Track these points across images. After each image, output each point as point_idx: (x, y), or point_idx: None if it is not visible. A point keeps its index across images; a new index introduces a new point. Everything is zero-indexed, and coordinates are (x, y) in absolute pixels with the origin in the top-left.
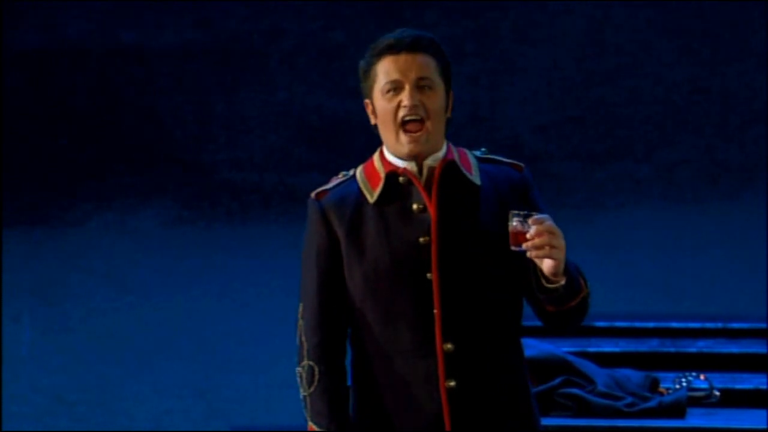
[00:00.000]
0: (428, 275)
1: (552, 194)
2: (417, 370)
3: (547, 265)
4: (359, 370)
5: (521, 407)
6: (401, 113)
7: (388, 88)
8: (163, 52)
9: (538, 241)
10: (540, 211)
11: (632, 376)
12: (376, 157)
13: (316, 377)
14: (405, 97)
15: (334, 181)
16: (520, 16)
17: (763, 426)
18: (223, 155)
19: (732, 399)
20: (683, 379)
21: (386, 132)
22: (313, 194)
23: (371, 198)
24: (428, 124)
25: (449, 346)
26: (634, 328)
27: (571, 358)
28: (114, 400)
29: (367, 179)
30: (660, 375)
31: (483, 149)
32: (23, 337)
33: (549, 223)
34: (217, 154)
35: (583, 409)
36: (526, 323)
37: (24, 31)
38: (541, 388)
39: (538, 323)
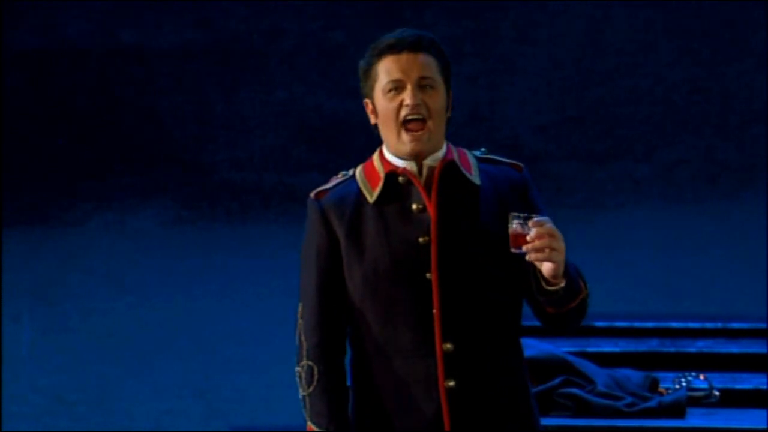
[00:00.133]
0: (428, 275)
1: (552, 194)
2: (416, 370)
3: (546, 267)
4: (358, 369)
5: (521, 407)
6: (403, 112)
7: (389, 88)
8: (163, 52)
9: (539, 243)
10: (539, 211)
11: (632, 376)
12: (375, 157)
13: (316, 377)
14: (407, 97)
15: (333, 181)
16: (520, 16)
17: (763, 426)
18: (223, 155)
19: (732, 399)
20: (683, 379)
21: (387, 131)
22: (312, 194)
23: (371, 198)
24: (430, 123)
25: (448, 346)
26: (633, 328)
27: (570, 358)
28: (114, 400)
29: (367, 179)
30: (660, 375)
31: (483, 149)
32: (23, 337)
33: (549, 225)
34: (217, 154)
35: (582, 409)
36: (525, 323)
37: (24, 31)
38: (540, 388)
39: (538, 323)
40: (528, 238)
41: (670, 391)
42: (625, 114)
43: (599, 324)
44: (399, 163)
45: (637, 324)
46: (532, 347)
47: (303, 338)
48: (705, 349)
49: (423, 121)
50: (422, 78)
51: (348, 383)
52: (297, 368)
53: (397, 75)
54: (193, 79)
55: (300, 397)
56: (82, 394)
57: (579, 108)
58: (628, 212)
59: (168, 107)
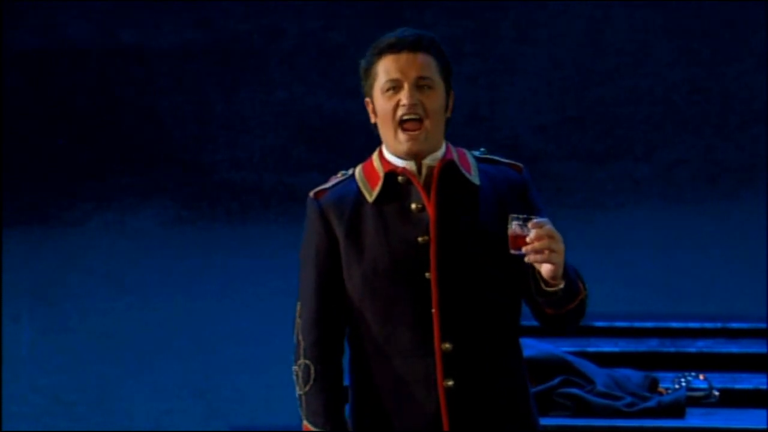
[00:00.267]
0: (426, 275)
1: (551, 194)
2: (415, 369)
3: (546, 269)
4: (357, 369)
5: (520, 407)
6: (400, 112)
7: (387, 87)
8: (162, 52)
9: (538, 245)
10: (538, 212)
11: (632, 376)
12: (375, 156)
13: (312, 376)
14: (404, 96)
15: (332, 181)
16: (520, 16)
17: (762, 426)
18: (223, 155)
19: (731, 399)
20: (682, 379)
21: (385, 130)
22: (311, 193)
23: (370, 197)
24: (427, 123)
25: (447, 345)
26: (633, 328)
27: (570, 357)
28: (113, 400)
29: (366, 178)
30: (659, 375)
31: (482, 149)
32: (23, 337)
33: (549, 227)
34: (217, 154)
35: (582, 409)
36: (524, 323)
37: (24, 31)
38: (540, 387)
39: (537, 323)
40: (527, 239)
41: (669, 391)
42: (625, 114)
43: (599, 324)
44: (398, 162)
45: (636, 324)
46: (532, 347)
47: (300, 337)
48: (705, 349)
49: (419, 121)
50: (420, 78)
51: (346, 383)
52: (294, 367)
53: (395, 74)
54: (193, 79)
55: (296, 396)
56: (82, 394)
57: (579, 108)
58: (628, 212)
59: (168, 107)
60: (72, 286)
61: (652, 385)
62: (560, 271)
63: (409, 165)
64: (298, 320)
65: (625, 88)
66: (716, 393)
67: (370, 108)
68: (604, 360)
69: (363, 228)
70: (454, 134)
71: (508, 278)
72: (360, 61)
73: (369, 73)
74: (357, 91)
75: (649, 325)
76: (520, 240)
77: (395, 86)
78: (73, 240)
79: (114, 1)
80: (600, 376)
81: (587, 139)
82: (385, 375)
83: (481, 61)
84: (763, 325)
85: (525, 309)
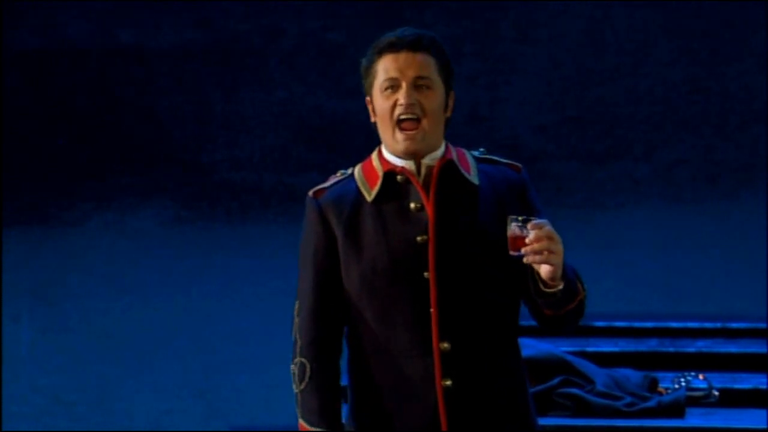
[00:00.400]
0: (425, 274)
1: (551, 194)
2: (413, 368)
3: (545, 270)
4: (356, 368)
5: (518, 407)
6: (397, 111)
7: (386, 86)
8: (162, 52)
9: (537, 246)
10: (537, 212)
11: (631, 375)
12: (374, 156)
13: (308, 374)
14: (401, 96)
15: (332, 180)
16: (520, 16)
17: (762, 426)
18: (223, 155)
19: (731, 399)
20: (682, 379)
21: (384, 130)
22: (310, 192)
23: (369, 197)
24: (424, 122)
25: (446, 345)
26: (633, 328)
27: (569, 357)
28: (113, 400)
29: (365, 178)
30: (659, 375)
31: (482, 149)
32: (23, 337)
33: (548, 228)
34: (217, 154)
35: (581, 408)
36: (524, 323)
37: (24, 31)
38: (539, 387)
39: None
40: (527, 240)
41: (669, 391)
42: (624, 114)
43: (599, 324)
44: (397, 162)
45: (636, 324)
46: (531, 347)
47: (298, 335)
48: (704, 349)
49: (417, 120)
50: (418, 77)
51: (343, 382)
52: (291, 365)
53: (393, 74)
54: (192, 79)
55: (294, 394)
56: (82, 394)
57: (579, 108)
58: (627, 212)
59: (168, 107)
60: (72, 286)
61: (652, 385)
62: (559, 272)
63: (408, 164)
64: (295, 319)
65: (625, 88)
66: (716, 393)
67: (370, 107)
68: (603, 360)
69: (362, 227)
70: (454, 134)
71: (507, 278)
72: (361, 60)
73: (369, 71)
74: (357, 90)
75: (648, 325)
76: (519, 241)
77: (393, 85)
78: (73, 240)
79: (114, 1)
80: (600, 376)
81: (587, 139)
82: (384, 374)
83: (481, 61)
84: (762, 325)
85: (524, 309)
